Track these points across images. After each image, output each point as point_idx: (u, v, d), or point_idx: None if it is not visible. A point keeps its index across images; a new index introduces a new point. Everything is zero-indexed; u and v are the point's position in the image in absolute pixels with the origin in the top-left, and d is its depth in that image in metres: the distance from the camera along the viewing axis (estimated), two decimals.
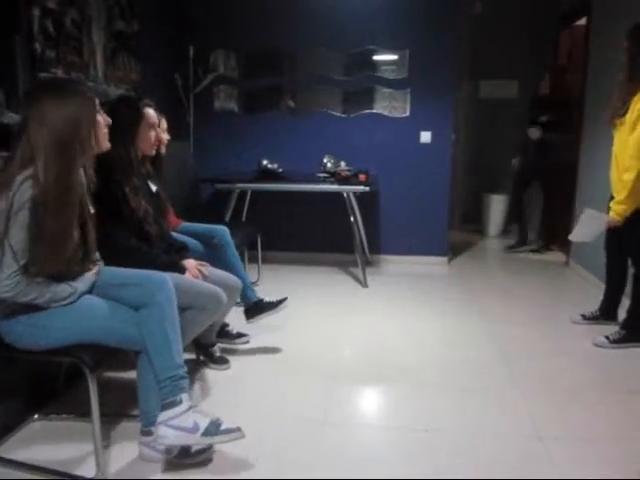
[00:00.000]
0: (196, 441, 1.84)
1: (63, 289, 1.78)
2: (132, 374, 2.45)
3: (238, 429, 1.86)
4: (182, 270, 2.27)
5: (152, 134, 2.42)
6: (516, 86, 6.24)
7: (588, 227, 3.03)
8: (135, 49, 3.82)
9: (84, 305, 1.82)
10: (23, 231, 1.64)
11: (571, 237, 3.20)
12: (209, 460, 1.95)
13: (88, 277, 1.88)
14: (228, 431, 1.85)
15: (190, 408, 1.84)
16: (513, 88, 6.25)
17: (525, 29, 6.01)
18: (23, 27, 2.72)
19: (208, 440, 1.84)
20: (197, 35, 4.63)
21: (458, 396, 2.49)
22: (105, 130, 1.87)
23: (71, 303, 1.79)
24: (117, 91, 3.49)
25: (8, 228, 1.63)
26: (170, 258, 2.31)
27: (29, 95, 1.77)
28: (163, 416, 1.82)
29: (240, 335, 2.98)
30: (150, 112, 2.43)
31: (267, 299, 2.95)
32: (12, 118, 2.62)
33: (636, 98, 2.71)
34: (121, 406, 2.29)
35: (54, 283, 1.76)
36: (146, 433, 1.93)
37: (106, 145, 1.89)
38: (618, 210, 2.84)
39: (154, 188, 2.48)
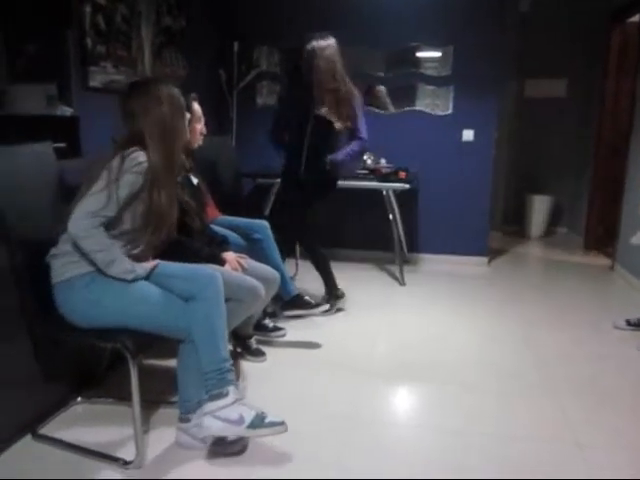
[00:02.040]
0: (241, 433, 1.87)
1: (125, 262, 1.85)
2: (171, 362, 2.51)
3: (282, 423, 1.88)
4: (222, 263, 2.31)
5: (198, 127, 2.47)
6: (565, 85, 6.07)
7: None
8: (181, 45, 3.90)
9: (139, 289, 1.87)
10: (124, 191, 1.81)
11: (635, 240, 3.07)
12: (244, 449, 1.98)
13: (148, 265, 1.94)
14: (272, 424, 1.87)
15: (236, 401, 1.87)
16: (561, 87, 6.08)
17: (574, 26, 5.83)
18: (75, 23, 2.81)
19: (252, 433, 1.86)
20: (241, 31, 4.68)
21: (491, 398, 2.46)
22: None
23: (125, 282, 1.84)
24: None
25: (112, 182, 1.79)
26: (211, 251, 2.35)
27: (134, 91, 1.96)
28: (209, 407, 1.86)
29: (277, 329, 3.01)
30: (196, 106, 2.49)
31: (307, 298, 2.98)
32: (65, 111, 2.72)
33: None
34: (160, 393, 2.35)
35: (121, 253, 1.85)
36: (184, 420, 1.98)
37: (187, 136, 2.10)
38: None
39: (195, 181, 2.53)
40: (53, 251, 1.87)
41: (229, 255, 2.38)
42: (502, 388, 2.55)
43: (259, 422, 1.85)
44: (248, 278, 2.24)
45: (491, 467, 1.95)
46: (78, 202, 1.79)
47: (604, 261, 4.95)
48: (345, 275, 4.32)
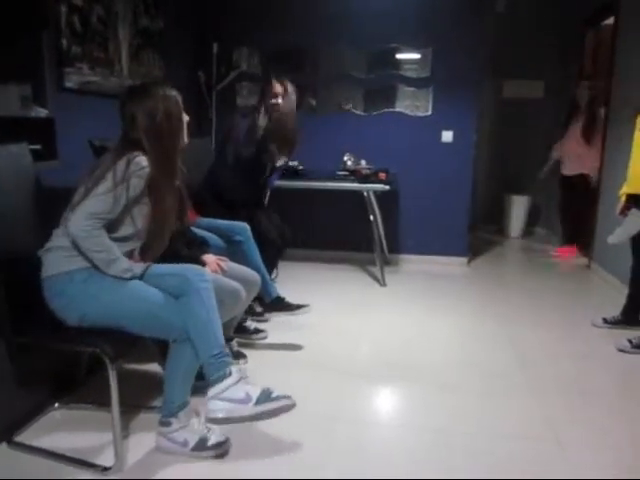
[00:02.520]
0: (250, 411, 1.82)
1: (124, 262, 1.85)
2: (151, 366, 2.49)
3: (289, 397, 1.89)
4: (201, 265, 2.29)
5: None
6: (542, 86, 6.15)
7: (629, 228, 2.97)
8: (159, 46, 3.87)
9: (136, 287, 1.86)
10: (131, 193, 1.83)
11: (611, 239, 3.09)
12: (225, 453, 1.97)
13: (142, 265, 1.93)
14: (279, 398, 1.86)
15: (240, 379, 1.85)
16: (538, 88, 6.17)
17: (551, 28, 5.93)
18: (51, 23, 2.77)
19: (261, 409, 1.83)
20: (221, 32, 4.66)
21: (474, 398, 2.48)
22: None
23: (123, 280, 1.84)
24: None
25: (119, 184, 1.80)
26: (190, 253, 2.33)
27: (133, 95, 1.95)
28: (213, 390, 1.83)
29: (258, 331, 3.00)
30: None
31: (288, 300, 2.97)
32: (40, 112, 2.67)
33: None
34: (140, 397, 2.32)
35: (120, 253, 1.85)
36: (165, 424, 1.96)
37: (186, 139, 2.07)
38: None
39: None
40: (47, 245, 1.87)
41: (209, 257, 2.36)
42: (484, 387, 2.58)
43: (266, 398, 1.84)
44: (229, 280, 2.22)
45: (475, 466, 1.96)
46: (79, 202, 1.79)
47: (581, 260, 5.03)
48: (326, 276, 4.33)
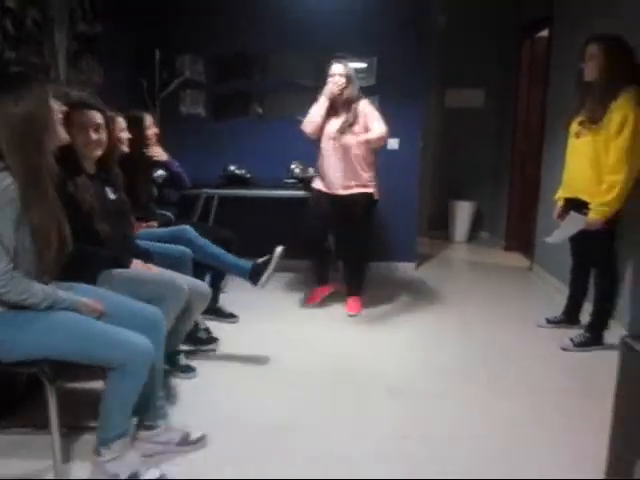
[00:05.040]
0: None
1: (48, 291, 1.73)
2: (93, 384, 2.38)
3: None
4: (125, 263, 2.22)
5: (91, 135, 2.28)
6: (482, 95, 6.34)
7: (567, 230, 3.05)
8: (98, 51, 3.74)
9: (61, 318, 1.75)
10: (10, 226, 1.63)
11: (549, 240, 3.16)
12: None
13: (69, 295, 1.81)
14: None
15: (116, 457, 1.82)
16: (479, 97, 6.35)
17: (491, 38, 6.12)
18: None
19: None
20: (163, 38, 4.56)
21: (430, 401, 2.50)
22: (59, 117, 1.85)
23: (50, 308, 1.73)
24: (79, 94, 3.40)
25: None
26: (114, 254, 2.25)
27: None
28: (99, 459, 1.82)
29: (211, 340, 3.02)
30: (88, 112, 2.32)
31: (260, 260, 2.93)
32: None
33: (619, 102, 2.76)
34: (84, 418, 2.21)
35: (41, 285, 1.72)
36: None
37: (64, 136, 1.87)
38: (603, 212, 2.84)
39: (113, 196, 2.40)
40: None
41: (137, 263, 2.29)
42: (438, 389, 2.60)
43: None
44: (165, 273, 2.19)
45: (436, 469, 1.97)
46: None
47: (523, 262, 5.19)
48: (276, 284, 4.29)
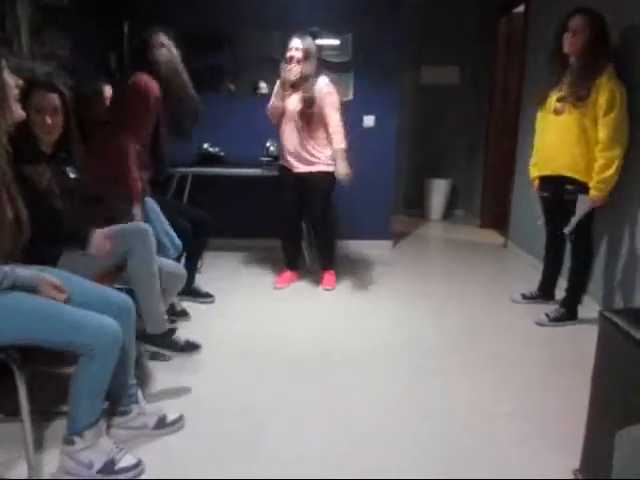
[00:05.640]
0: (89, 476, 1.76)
1: (6, 269, 1.64)
2: (67, 368, 2.31)
3: (137, 465, 1.80)
4: (87, 240, 2.14)
5: (47, 118, 2.18)
6: (457, 72, 6.31)
7: (578, 214, 2.96)
8: (64, 24, 3.58)
9: (23, 302, 1.67)
10: None
11: (567, 230, 3.03)
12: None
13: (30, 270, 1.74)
14: (121, 471, 1.78)
15: (90, 446, 1.77)
16: (454, 74, 6.32)
17: (466, 15, 6.08)
18: None
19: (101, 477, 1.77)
20: (132, 11, 4.39)
21: (405, 378, 2.50)
22: (15, 92, 1.73)
23: (12, 288, 1.65)
24: (44, 68, 3.25)
25: None
26: (69, 229, 2.17)
27: None
28: (65, 448, 1.78)
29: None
30: (44, 94, 2.20)
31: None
32: None
33: (605, 79, 2.74)
34: (56, 403, 2.15)
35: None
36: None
37: (19, 112, 1.76)
38: (603, 188, 2.83)
39: (73, 175, 2.30)
40: None
41: (99, 235, 2.20)
42: (414, 367, 2.61)
43: (109, 470, 1.76)
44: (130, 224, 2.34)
45: (406, 447, 1.97)
46: None
47: (498, 239, 5.23)
48: (251, 263, 4.25)
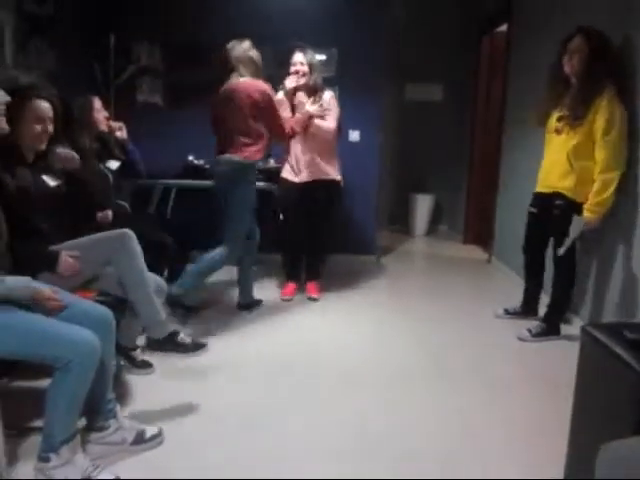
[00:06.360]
0: None
1: None
2: (42, 383, 2.26)
3: None
4: (54, 262, 2.07)
5: (37, 127, 2.16)
6: (441, 89, 6.39)
7: (572, 234, 2.94)
8: (49, 34, 3.58)
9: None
10: None
11: (561, 251, 3.00)
12: None
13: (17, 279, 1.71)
14: None
15: (67, 462, 1.73)
16: (438, 92, 6.40)
17: (450, 33, 6.17)
18: None
19: None
20: (118, 23, 4.39)
21: (387, 395, 2.49)
22: (2, 107, 1.74)
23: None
24: (28, 79, 3.23)
25: None
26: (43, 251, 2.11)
27: None
28: (39, 464, 1.74)
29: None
30: (38, 104, 2.19)
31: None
32: None
33: (605, 99, 2.73)
34: (30, 418, 2.09)
35: None
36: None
37: (2, 126, 1.77)
38: (599, 211, 2.81)
39: (52, 183, 2.27)
40: None
41: (65, 256, 2.12)
42: (395, 383, 2.59)
43: None
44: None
45: (386, 464, 1.95)
46: None
47: (481, 255, 5.26)
48: (233, 278, 4.21)
